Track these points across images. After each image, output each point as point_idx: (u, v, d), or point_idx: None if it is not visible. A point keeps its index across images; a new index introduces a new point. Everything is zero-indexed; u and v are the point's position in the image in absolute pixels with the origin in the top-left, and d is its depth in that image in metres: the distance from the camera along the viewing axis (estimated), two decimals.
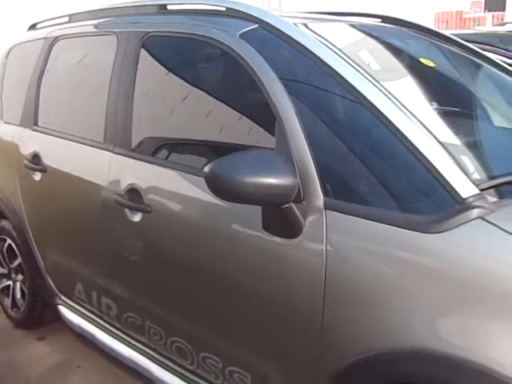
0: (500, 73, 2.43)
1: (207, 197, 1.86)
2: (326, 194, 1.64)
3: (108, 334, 2.53)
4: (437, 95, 1.98)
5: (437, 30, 2.70)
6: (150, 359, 2.32)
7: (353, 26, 2.43)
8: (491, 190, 1.54)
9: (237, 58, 1.89)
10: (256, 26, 1.95)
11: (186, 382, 2.18)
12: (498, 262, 1.36)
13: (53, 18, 3.05)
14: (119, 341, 2.47)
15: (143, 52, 2.24)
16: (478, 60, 2.45)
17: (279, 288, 1.74)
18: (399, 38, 2.47)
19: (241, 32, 1.94)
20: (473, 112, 2.02)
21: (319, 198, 1.64)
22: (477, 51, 2.51)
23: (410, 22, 2.64)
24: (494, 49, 4.09)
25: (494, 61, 2.48)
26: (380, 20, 2.69)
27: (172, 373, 2.23)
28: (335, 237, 1.60)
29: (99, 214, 2.34)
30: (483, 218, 1.41)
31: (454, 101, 2.09)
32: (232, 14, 2.04)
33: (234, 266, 1.86)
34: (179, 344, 2.16)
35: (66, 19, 2.89)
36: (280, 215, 1.66)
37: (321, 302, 1.63)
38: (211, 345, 2.04)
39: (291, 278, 1.70)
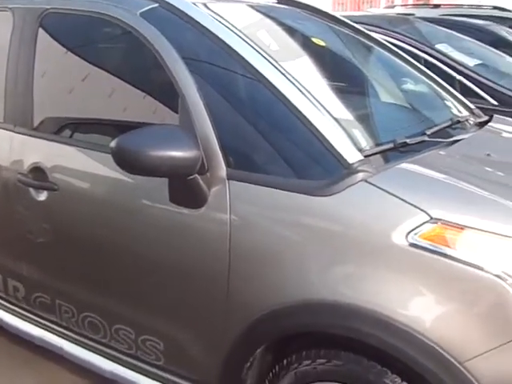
0: (386, 53, 2.65)
1: (113, 173, 1.91)
2: (228, 165, 1.75)
3: (16, 315, 2.51)
4: (328, 72, 2.14)
5: (328, 11, 2.87)
6: (62, 337, 2.34)
7: (251, 6, 2.53)
8: (376, 156, 1.72)
9: (138, 36, 1.94)
10: (156, 4, 2.01)
11: (99, 355, 2.23)
12: (375, 218, 1.55)
13: None
14: (29, 322, 2.46)
15: (42, 29, 2.22)
16: (365, 40, 2.65)
17: (187, 257, 1.84)
18: (293, 18, 2.62)
19: (141, 11, 1.98)
20: (360, 88, 2.20)
21: (222, 169, 1.74)
22: (365, 32, 2.70)
23: (303, 4, 2.79)
24: (383, 30, 4.38)
25: (380, 41, 2.69)
26: (276, 1, 2.82)
27: (85, 348, 2.27)
28: (238, 205, 1.72)
29: (2, 195, 2.31)
30: (366, 181, 1.59)
31: (343, 77, 2.27)
32: None
33: (143, 238, 1.93)
34: (91, 319, 2.20)
35: None
36: (185, 187, 1.75)
37: (227, 266, 1.74)
38: (124, 316, 2.10)
39: (198, 246, 1.81)
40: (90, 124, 2.22)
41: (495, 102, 3.86)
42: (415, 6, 10.74)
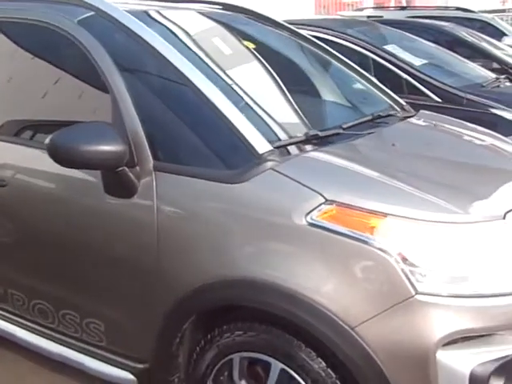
0: (318, 52, 2.84)
1: (53, 168, 2.06)
2: (155, 158, 1.92)
3: None
4: (252, 71, 2.33)
5: (269, 16, 3.05)
6: (15, 324, 2.48)
7: (196, 12, 2.72)
8: (287, 147, 1.91)
9: (76, 42, 2.11)
10: (93, 13, 2.17)
11: (49, 340, 2.38)
12: (279, 201, 1.73)
13: None
14: None
15: None
16: (300, 41, 2.84)
17: (120, 242, 2.01)
18: (233, 22, 2.80)
19: (79, 18, 2.15)
20: (284, 84, 2.37)
21: (149, 162, 1.92)
22: (301, 34, 2.89)
23: (247, 10, 2.98)
24: (335, 33, 4.59)
25: (315, 42, 2.88)
26: (221, 7, 3.00)
27: (36, 333, 2.41)
28: (163, 194, 1.90)
29: None
30: (273, 169, 1.77)
31: (267, 75, 2.43)
32: (71, 1, 2.24)
33: (81, 227, 2.09)
34: (41, 305, 2.35)
35: None
36: (116, 178, 1.92)
37: (155, 250, 1.92)
38: (69, 302, 2.25)
39: (130, 232, 1.98)
40: (33, 124, 2.38)
41: (438, 99, 4.07)
42: (384, 8, 11.02)
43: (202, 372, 1.95)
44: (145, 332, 2.03)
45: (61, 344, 2.32)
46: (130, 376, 2.12)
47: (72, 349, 2.29)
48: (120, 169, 1.89)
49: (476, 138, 2.52)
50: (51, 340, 2.36)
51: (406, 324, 1.57)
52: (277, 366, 1.78)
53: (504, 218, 1.73)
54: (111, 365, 2.17)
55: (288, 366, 1.75)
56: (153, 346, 2.01)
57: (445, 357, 1.56)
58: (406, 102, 2.81)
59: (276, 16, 3.05)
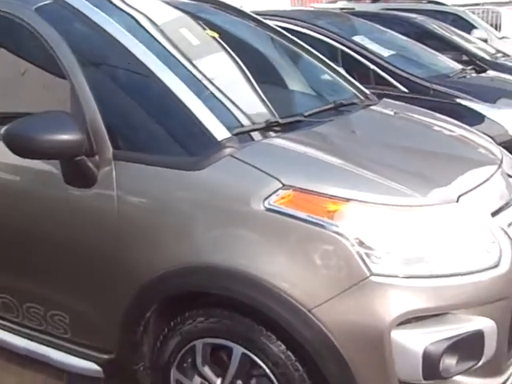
0: (284, 42, 2.85)
1: (14, 159, 2.04)
2: (114, 146, 1.92)
3: None
4: (214, 60, 2.33)
5: (235, 6, 3.05)
6: None
7: (165, 1, 2.71)
8: (247, 134, 1.92)
9: (32, 31, 2.08)
10: (50, 1, 2.16)
11: (14, 334, 2.36)
12: (237, 187, 1.75)
13: None
14: None
15: None
16: (265, 31, 2.85)
17: (82, 233, 2.00)
18: (197, 11, 2.79)
19: (36, 6, 2.13)
20: (247, 73, 2.37)
21: (108, 151, 1.91)
22: (267, 24, 2.90)
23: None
24: (306, 24, 4.62)
25: (280, 32, 2.89)
26: None
27: (1, 328, 2.39)
28: (123, 183, 1.89)
29: None
30: (232, 155, 1.78)
31: (230, 64, 2.44)
32: None
33: (42, 219, 2.08)
34: (4, 299, 2.33)
35: None
36: (76, 168, 1.91)
37: (116, 239, 1.91)
38: (32, 295, 2.24)
39: (91, 222, 1.97)
40: None
41: (405, 90, 4.12)
42: (357, 0, 11.08)
43: (165, 360, 1.96)
44: (109, 322, 2.03)
45: (26, 338, 2.30)
46: (96, 367, 2.12)
47: (37, 342, 2.28)
48: (79, 158, 1.88)
49: (438, 126, 2.55)
50: (16, 334, 2.35)
51: (362, 305, 1.60)
52: (238, 350, 1.79)
53: (457, 201, 1.76)
54: (77, 356, 2.17)
55: (249, 351, 1.77)
56: (117, 336, 2.01)
57: (399, 336, 1.59)
58: (374, 93, 2.84)
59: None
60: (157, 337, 1.99)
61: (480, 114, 3.90)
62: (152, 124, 1.94)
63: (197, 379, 1.94)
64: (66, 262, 2.08)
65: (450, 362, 1.61)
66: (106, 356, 2.09)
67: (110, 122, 1.93)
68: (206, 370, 1.90)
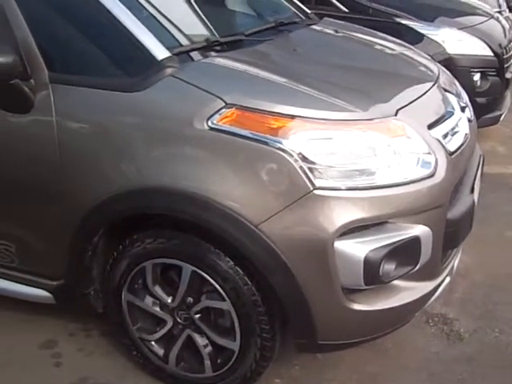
0: None
1: None
2: (50, 69, 1.84)
3: None
4: None
5: None
6: None
7: None
8: (187, 53, 1.88)
9: None
10: None
11: None
12: (180, 107, 1.73)
13: None
14: None
15: None
16: None
17: (22, 160, 1.94)
18: None
19: None
20: None
21: (44, 74, 1.84)
22: None
23: None
24: None
25: None
26: None
27: None
28: (61, 107, 1.84)
29: None
30: (173, 75, 1.75)
31: None
32: None
33: None
34: None
35: None
36: (10, 92, 1.83)
37: (57, 166, 1.88)
38: None
39: (30, 149, 1.92)
40: None
41: (346, 10, 4.10)
42: None
43: (116, 282, 1.99)
44: (56, 249, 2.02)
45: None
46: (46, 293, 2.13)
47: None
48: (13, 81, 1.80)
49: (378, 45, 2.58)
50: None
51: (306, 218, 1.66)
52: (188, 269, 1.84)
53: (396, 114, 1.81)
54: (27, 285, 2.16)
55: (198, 268, 1.82)
56: (65, 262, 2.02)
57: (342, 245, 1.67)
58: (315, 13, 2.81)
59: None
60: (106, 260, 2.01)
61: (419, 33, 3.94)
62: (89, 45, 1.86)
63: (148, 299, 1.99)
64: (7, 192, 2.03)
65: (389, 267, 1.71)
66: (55, 282, 2.09)
67: (44, 42, 1.85)
68: (157, 290, 1.95)
